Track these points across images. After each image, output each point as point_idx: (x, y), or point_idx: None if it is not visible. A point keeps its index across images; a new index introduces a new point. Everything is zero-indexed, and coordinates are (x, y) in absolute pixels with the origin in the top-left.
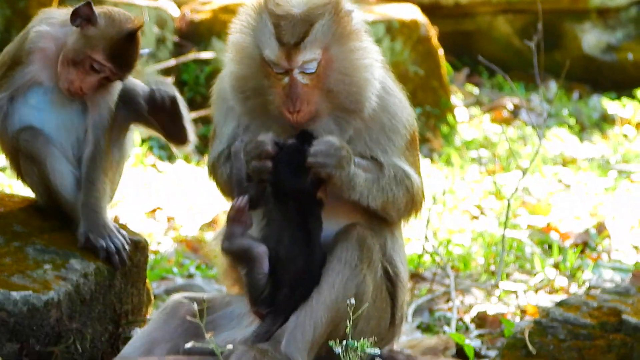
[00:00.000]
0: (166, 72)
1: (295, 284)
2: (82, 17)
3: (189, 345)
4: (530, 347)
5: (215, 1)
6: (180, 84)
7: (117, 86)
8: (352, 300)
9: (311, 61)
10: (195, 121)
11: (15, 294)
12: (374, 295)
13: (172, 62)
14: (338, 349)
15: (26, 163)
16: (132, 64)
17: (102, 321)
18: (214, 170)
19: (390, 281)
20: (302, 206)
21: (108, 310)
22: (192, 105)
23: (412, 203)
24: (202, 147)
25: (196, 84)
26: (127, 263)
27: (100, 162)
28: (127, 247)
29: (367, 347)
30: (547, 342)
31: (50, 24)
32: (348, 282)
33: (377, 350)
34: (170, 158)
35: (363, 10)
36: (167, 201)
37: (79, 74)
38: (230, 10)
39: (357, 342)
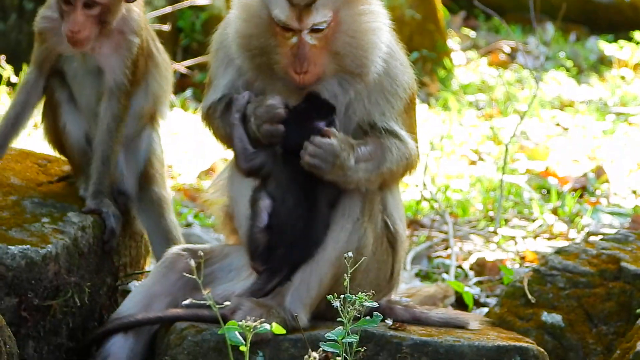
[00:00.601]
0: (162, 19)
1: (292, 246)
2: None
3: (186, 302)
4: (529, 295)
5: None
6: (176, 31)
7: (130, 46)
8: (350, 254)
9: (322, 23)
10: (192, 68)
11: (13, 248)
12: (374, 247)
13: (167, 9)
14: (336, 303)
15: (45, 107)
16: None
17: (101, 274)
18: (208, 120)
19: (390, 234)
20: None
21: (106, 263)
22: (188, 52)
23: (408, 169)
24: (199, 95)
25: (192, 30)
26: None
27: (113, 128)
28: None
29: (365, 300)
30: (546, 290)
31: (50, 6)
32: (351, 236)
33: (374, 304)
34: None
35: None
36: (165, 147)
37: (67, 20)
38: None
39: (356, 295)
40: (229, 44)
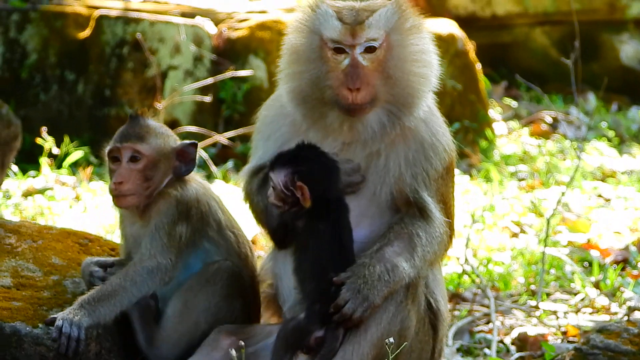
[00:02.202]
0: (204, 90)
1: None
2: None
3: None
4: None
5: (252, 18)
6: (217, 102)
7: (170, 205)
8: (392, 340)
9: (374, 40)
10: (233, 139)
11: (54, 329)
12: (416, 328)
13: (209, 80)
14: None
15: None
16: (136, 134)
17: (141, 354)
18: (247, 196)
19: (432, 313)
20: (339, 217)
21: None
22: (230, 124)
23: (443, 246)
24: (241, 165)
25: (234, 101)
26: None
27: (131, 272)
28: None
29: None
30: None
31: None
32: (393, 318)
33: None
34: (209, 177)
35: None
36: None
37: (113, 175)
38: (267, 27)
39: None
40: (273, 119)
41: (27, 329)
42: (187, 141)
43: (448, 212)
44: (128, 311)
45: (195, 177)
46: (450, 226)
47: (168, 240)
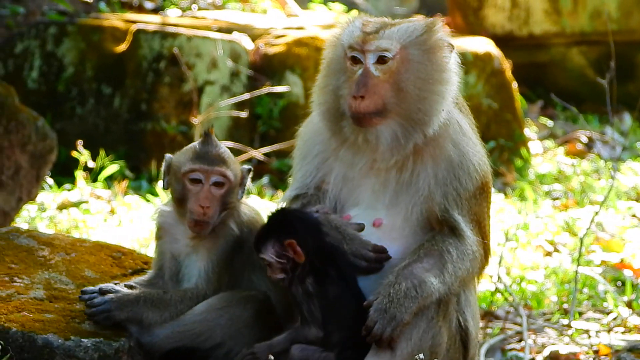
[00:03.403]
0: (240, 105)
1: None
2: (165, 173)
3: None
4: None
5: (289, 34)
6: (254, 118)
7: (227, 235)
8: (422, 356)
9: (386, 50)
10: (269, 155)
11: (86, 341)
12: (447, 345)
13: (246, 95)
14: None
15: None
16: (221, 158)
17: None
18: None
19: (463, 332)
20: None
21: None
22: (266, 139)
23: (474, 265)
24: (276, 181)
25: (270, 117)
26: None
27: (177, 295)
28: None
29: None
30: None
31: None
32: (424, 335)
33: None
34: (245, 192)
35: None
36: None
37: (195, 199)
38: (303, 44)
39: None
40: (309, 137)
41: (59, 341)
42: (245, 166)
43: (482, 231)
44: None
45: (246, 202)
46: (486, 246)
47: (218, 270)
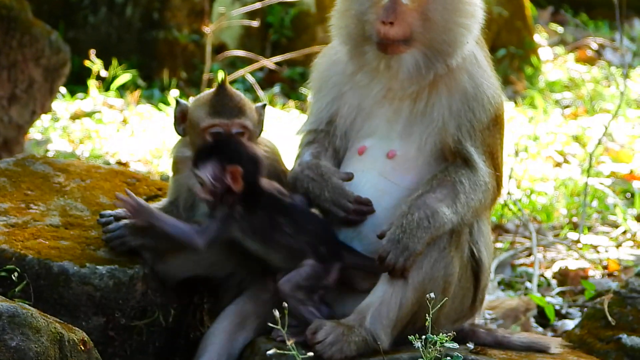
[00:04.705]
0: (251, 14)
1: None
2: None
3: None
4: (609, 318)
5: None
6: (265, 27)
7: None
8: (432, 295)
9: None
10: (280, 64)
11: (101, 268)
12: (459, 275)
13: (257, 4)
14: (417, 344)
15: None
16: (238, 109)
17: (187, 293)
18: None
19: (475, 262)
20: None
21: (193, 282)
22: (277, 48)
23: (487, 197)
24: (287, 90)
25: (281, 26)
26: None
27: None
28: None
29: (445, 341)
30: (626, 312)
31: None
32: (436, 264)
33: (455, 345)
34: (256, 101)
35: None
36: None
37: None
38: None
39: (437, 336)
40: (325, 67)
41: (75, 268)
42: (260, 104)
43: (495, 163)
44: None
45: (262, 138)
46: (498, 178)
47: None
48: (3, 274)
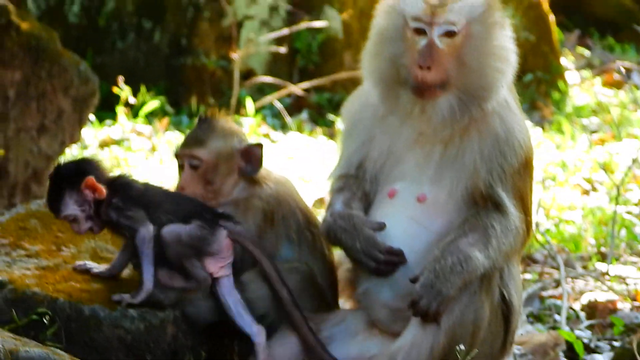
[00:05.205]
0: (279, 40)
1: None
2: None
3: None
4: (638, 357)
5: None
6: (292, 52)
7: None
8: (462, 347)
9: (454, 24)
10: (308, 90)
11: (132, 312)
12: (489, 319)
13: (285, 30)
14: None
15: None
16: (195, 139)
17: (218, 336)
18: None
19: (505, 306)
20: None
21: (224, 325)
22: (305, 74)
23: (518, 242)
24: (315, 116)
25: (309, 52)
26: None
27: None
28: None
29: None
30: None
31: None
32: (467, 308)
33: None
34: (284, 127)
35: None
36: (279, 172)
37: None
38: None
39: None
40: (355, 111)
41: (106, 311)
42: (253, 142)
43: (525, 207)
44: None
45: (273, 174)
46: (528, 222)
47: None
48: (35, 317)
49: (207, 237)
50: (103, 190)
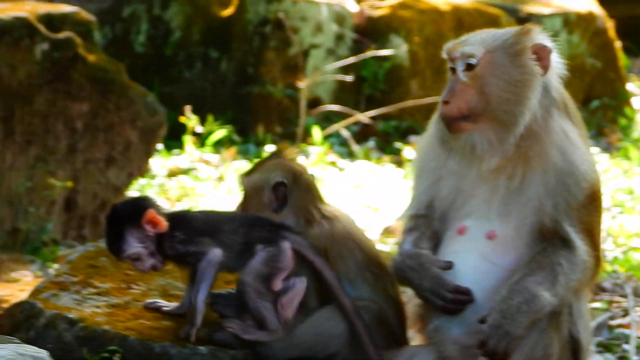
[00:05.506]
0: (345, 69)
1: None
2: None
3: None
4: None
5: None
6: (359, 80)
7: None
8: None
9: (471, 56)
10: (375, 118)
11: (202, 349)
12: (558, 356)
13: (351, 59)
14: None
15: None
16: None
17: None
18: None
19: (574, 342)
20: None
21: None
22: (371, 102)
23: (586, 277)
24: (382, 144)
25: (375, 80)
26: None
27: None
28: None
29: None
30: None
31: None
32: (536, 345)
33: None
34: (351, 156)
35: (540, 5)
36: (347, 201)
37: None
38: (407, 6)
39: None
40: (424, 151)
41: (177, 348)
42: (279, 178)
43: (593, 241)
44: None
45: (331, 211)
46: (597, 257)
47: (313, 285)
48: (105, 355)
49: (276, 255)
50: (163, 222)
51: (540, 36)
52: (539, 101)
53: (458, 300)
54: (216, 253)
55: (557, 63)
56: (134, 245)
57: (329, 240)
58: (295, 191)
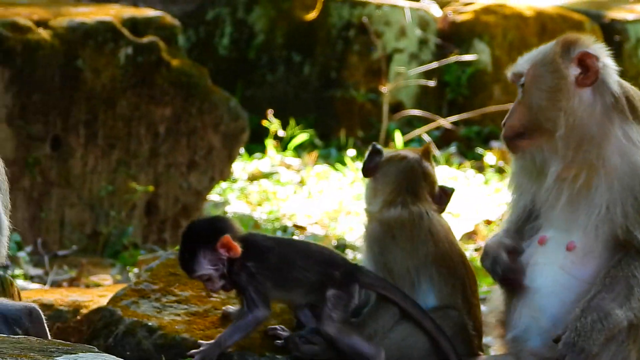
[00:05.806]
0: (428, 73)
1: None
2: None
3: None
4: None
5: (477, 2)
6: (441, 85)
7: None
8: None
9: (519, 74)
10: (457, 123)
11: (280, 357)
12: None
13: (434, 64)
14: None
15: None
16: None
17: None
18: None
19: None
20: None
21: None
22: (454, 107)
23: None
24: (464, 149)
25: (458, 85)
26: None
27: None
28: None
29: None
30: None
31: None
32: (614, 358)
33: None
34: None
35: (624, 10)
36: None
37: None
38: (491, 11)
39: None
40: (516, 168)
41: (255, 357)
42: (379, 147)
43: None
44: None
45: (428, 209)
46: None
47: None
48: None
49: (346, 301)
50: (238, 248)
51: (587, 43)
52: (590, 105)
53: (507, 280)
54: (257, 316)
55: (611, 67)
56: (205, 267)
57: (398, 224)
58: (390, 168)
